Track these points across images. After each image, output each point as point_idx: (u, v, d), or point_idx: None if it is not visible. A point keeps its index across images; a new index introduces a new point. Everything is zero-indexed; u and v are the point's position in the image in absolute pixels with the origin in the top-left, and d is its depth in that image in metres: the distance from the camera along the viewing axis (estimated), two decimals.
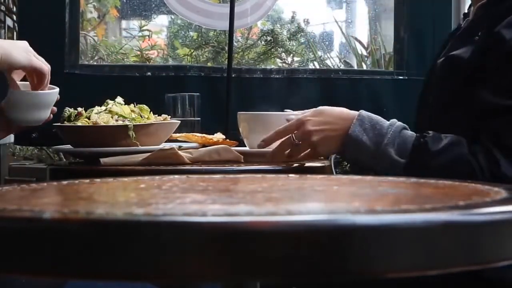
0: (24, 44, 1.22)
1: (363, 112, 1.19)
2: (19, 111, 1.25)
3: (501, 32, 1.09)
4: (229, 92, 1.69)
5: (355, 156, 1.19)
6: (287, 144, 1.23)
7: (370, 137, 1.14)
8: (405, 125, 1.17)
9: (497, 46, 1.09)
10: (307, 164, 1.31)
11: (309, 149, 1.22)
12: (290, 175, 0.87)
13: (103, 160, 1.32)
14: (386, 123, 1.17)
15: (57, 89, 1.31)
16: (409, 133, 1.15)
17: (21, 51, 1.20)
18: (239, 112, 1.50)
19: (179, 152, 1.31)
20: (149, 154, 1.31)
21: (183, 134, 1.51)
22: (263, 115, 1.46)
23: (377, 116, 1.19)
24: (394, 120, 1.18)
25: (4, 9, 3.19)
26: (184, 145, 1.42)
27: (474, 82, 1.12)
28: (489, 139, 1.07)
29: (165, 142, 1.45)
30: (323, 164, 1.36)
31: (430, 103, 1.26)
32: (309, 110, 1.25)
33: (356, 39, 3.06)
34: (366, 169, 1.21)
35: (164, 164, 1.29)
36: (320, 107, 1.23)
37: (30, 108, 1.27)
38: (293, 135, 1.21)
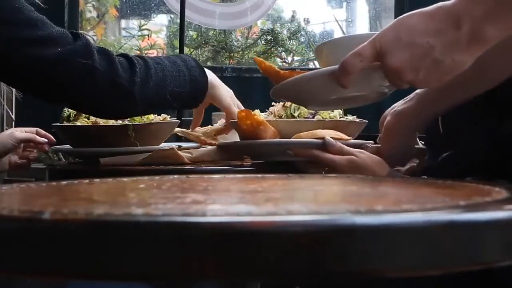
0: (230, 91, 1.38)
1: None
2: None
3: None
4: None
5: None
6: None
7: None
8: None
9: None
10: None
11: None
12: (290, 175, 0.87)
13: (102, 160, 1.31)
14: None
15: None
16: None
17: (226, 93, 1.36)
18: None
19: (179, 152, 1.31)
20: (149, 154, 1.31)
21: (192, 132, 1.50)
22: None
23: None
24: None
25: None
26: (184, 145, 1.42)
27: (485, 110, 1.12)
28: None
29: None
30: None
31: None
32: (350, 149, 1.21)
33: None
34: None
35: (164, 164, 1.29)
36: (358, 157, 1.18)
37: None
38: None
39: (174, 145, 1.38)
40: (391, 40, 0.81)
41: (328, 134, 1.23)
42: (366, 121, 1.37)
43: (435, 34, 0.78)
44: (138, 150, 1.34)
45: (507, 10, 0.74)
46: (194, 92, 1.27)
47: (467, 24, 0.76)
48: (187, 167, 1.28)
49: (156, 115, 1.45)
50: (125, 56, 1.21)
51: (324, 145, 1.21)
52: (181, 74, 1.24)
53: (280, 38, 2.98)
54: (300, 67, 3.01)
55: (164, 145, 1.42)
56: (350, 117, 1.39)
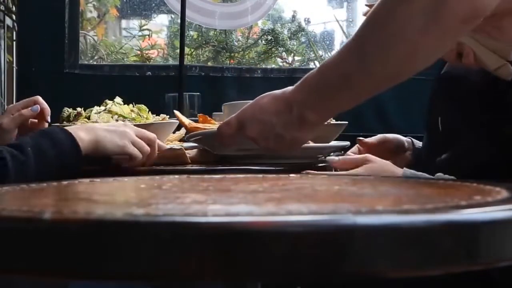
0: (124, 130, 1.23)
1: (406, 171, 1.18)
2: None
3: None
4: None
5: None
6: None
7: None
8: (453, 177, 1.13)
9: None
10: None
11: None
12: (291, 174, 0.87)
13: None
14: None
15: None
16: None
17: (116, 137, 1.21)
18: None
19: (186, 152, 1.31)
20: (159, 153, 1.31)
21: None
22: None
23: (421, 173, 1.17)
24: (440, 174, 1.15)
25: (3, 8, 3.18)
26: (185, 145, 1.42)
27: (489, 111, 1.11)
28: None
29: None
30: (324, 164, 1.36)
31: (442, 108, 1.24)
32: (357, 158, 1.24)
33: None
34: None
35: (172, 164, 1.29)
36: (370, 163, 1.22)
37: None
38: None
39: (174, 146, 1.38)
40: (248, 116, 1.01)
41: None
42: (346, 122, 1.38)
43: (276, 114, 0.96)
44: None
45: (321, 102, 0.92)
46: (63, 166, 1.14)
47: (295, 109, 0.94)
48: (188, 167, 1.28)
49: (155, 115, 1.45)
50: None
51: None
52: (48, 160, 1.11)
53: (280, 38, 2.98)
54: (301, 67, 3.00)
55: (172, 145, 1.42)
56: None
